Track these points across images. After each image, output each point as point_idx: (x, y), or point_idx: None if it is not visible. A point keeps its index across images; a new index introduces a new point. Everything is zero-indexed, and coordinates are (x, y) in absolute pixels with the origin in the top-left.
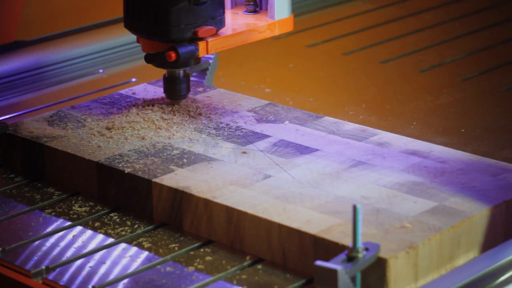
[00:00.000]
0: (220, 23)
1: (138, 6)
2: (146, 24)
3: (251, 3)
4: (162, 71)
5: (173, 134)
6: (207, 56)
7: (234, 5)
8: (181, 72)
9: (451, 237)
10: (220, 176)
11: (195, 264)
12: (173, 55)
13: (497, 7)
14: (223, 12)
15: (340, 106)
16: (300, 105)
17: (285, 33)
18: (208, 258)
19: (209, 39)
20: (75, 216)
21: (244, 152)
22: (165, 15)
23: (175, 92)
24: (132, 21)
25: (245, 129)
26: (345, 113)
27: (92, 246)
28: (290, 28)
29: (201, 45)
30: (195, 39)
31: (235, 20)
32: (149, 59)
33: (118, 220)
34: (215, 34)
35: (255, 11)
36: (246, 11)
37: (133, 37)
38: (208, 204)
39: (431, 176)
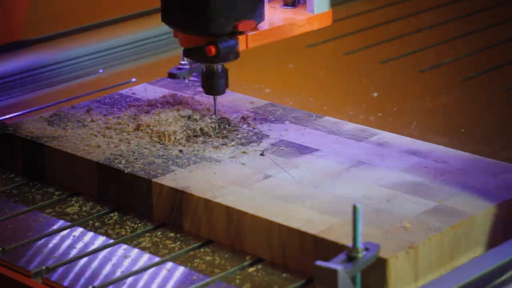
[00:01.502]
0: (260, 17)
1: (177, 0)
2: (185, 17)
3: None
4: (162, 71)
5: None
6: None
7: None
8: (220, 66)
9: (451, 237)
10: (220, 176)
11: (195, 264)
12: (213, 50)
13: (497, 7)
14: (263, 6)
15: (340, 106)
16: (300, 105)
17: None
18: (208, 258)
19: (249, 33)
20: (75, 216)
21: (244, 152)
22: (205, 8)
23: (214, 87)
24: (170, 14)
25: (245, 129)
26: (345, 113)
27: (92, 246)
28: (329, 23)
29: (241, 39)
30: (235, 33)
31: (274, 14)
32: (188, 54)
33: (118, 220)
34: (255, 28)
35: (293, 5)
36: (284, 5)
37: (133, 37)
38: (208, 204)
39: (431, 176)
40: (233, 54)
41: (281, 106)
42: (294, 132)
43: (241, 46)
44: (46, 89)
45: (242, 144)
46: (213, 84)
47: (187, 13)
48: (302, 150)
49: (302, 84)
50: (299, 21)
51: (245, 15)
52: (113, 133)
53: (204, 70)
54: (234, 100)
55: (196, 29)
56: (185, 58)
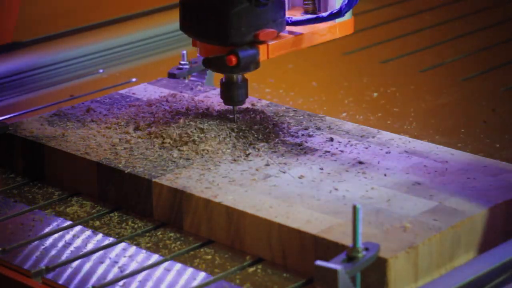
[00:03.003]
0: (281, 26)
1: (196, 8)
2: (204, 27)
3: (310, 4)
4: (162, 71)
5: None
6: None
7: (291, 6)
8: (239, 77)
9: (451, 237)
10: (220, 176)
11: (195, 264)
12: (233, 59)
13: (497, 7)
14: (284, 14)
15: (340, 106)
16: (300, 105)
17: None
18: (208, 258)
19: (270, 43)
20: (75, 216)
21: (244, 152)
22: (225, 17)
23: (233, 98)
24: (189, 23)
25: (244, 129)
26: (345, 113)
27: (92, 246)
28: (351, 31)
29: (262, 48)
30: (255, 43)
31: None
32: (207, 63)
33: (118, 220)
34: (276, 37)
35: (314, 13)
36: (304, 13)
37: (133, 37)
38: (208, 204)
39: (431, 176)
40: (254, 64)
41: (281, 106)
42: (294, 132)
43: (262, 56)
44: (46, 89)
45: (242, 144)
46: (233, 94)
47: (207, 22)
48: (302, 150)
49: (302, 84)
50: (321, 29)
51: (266, 24)
52: (113, 133)
53: (224, 80)
54: None
55: (216, 38)
56: (185, 58)
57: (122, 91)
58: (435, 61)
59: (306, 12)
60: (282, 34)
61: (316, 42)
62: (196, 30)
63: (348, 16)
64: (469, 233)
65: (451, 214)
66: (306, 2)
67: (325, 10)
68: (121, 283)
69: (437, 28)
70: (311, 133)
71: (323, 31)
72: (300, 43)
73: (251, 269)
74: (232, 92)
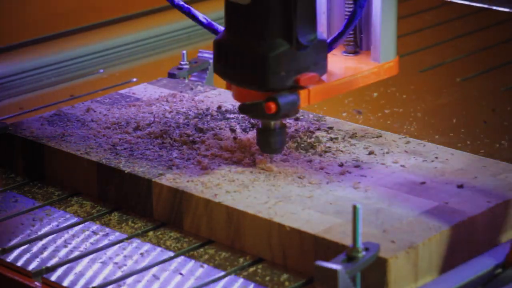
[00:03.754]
0: (323, 69)
1: (232, 50)
2: (240, 70)
3: (351, 43)
4: (162, 71)
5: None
6: (206, 55)
7: None
8: (277, 123)
9: (451, 237)
10: (220, 176)
11: (195, 264)
12: (272, 107)
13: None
14: (326, 57)
15: (340, 106)
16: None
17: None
18: (208, 258)
19: (311, 87)
20: (75, 216)
21: (244, 153)
22: (263, 61)
23: (270, 145)
24: (223, 66)
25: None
26: (345, 113)
27: (92, 246)
28: (396, 72)
29: (303, 94)
30: (295, 88)
31: (335, 63)
32: (244, 110)
33: (118, 220)
34: (317, 81)
35: (355, 52)
36: (345, 52)
37: (133, 37)
38: (208, 204)
39: (431, 176)
40: (294, 110)
41: None
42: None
43: (303, 102)
44: (46, 89)
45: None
46: (270, 142)
47: (243, 65)
48: (302, 150)
49: None
50: (364, 71)
51: (307, 67)
52: (113, 133)
53: (260, 126)
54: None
55: (254, 83)
56: (185, 58)
57: (122, 91)
58: (435, 61)
59: (347, 51)
60: (322, 76)
61: (359, 85)
62: (232, 73)
63: (393, 55)
64: (469, 233)
65: (451, 214)
66: (347, 39)
67: (367, 48)
68: (121, 283)
69: (437, 28)
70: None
71: (367, 73)
72: (343, 87)
73: (251, 269)
74: (269, 139)
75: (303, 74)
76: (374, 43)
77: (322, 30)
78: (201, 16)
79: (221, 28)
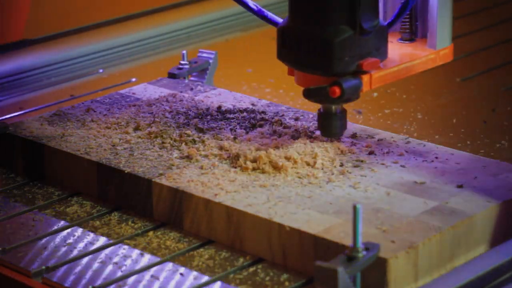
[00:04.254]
0: (384, 54)
1: (297, 36)
2: (305, 56)
3: (407, 30)
4: (162, 71)
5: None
6: (206, 55)
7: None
8: (339, 108)
9: (451, 237)
10: (220, 176)
11: (195, 264)
12: (337, 91)
13: (497, 7)
14: (387, 42)
15: None
16: (300, 105)
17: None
18: (208, 258)
19: (373, 72)
20: (75, 216)
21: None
22: (328, 46)
23: (332, 130)
24: (287, 51)
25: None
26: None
27: (92, 246)
28: (450, 58)
29: (365, 78)
30: (358, 72)
31: (392, 50)
32: (309, 94)
33: (118, 220)
34: (378, 66)
35: (411, 39)
36: (400, 39)
37: (133, 37)
38: (208, 204)
39: (431, 176)
40: (357, 95)
41: (281, 106)
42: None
43: (365, 87)
44: (46, 89)
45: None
46: (332, 126)
47: (308, 51)
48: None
49: None
50: (421, 58)
51: (369, 53)
52: (113, 133)
53: (322, 111)
54: (234, 100)
55: (318, 68)
56: (185, 58)
57: (122, 91)
58: None
59: (403, 38)
60: (383, 62)
61: (417, 71)
62: (296, 58)
63: (448, 42)
64: (469, 233)
65: (451, 214)
66: (403, 27)
67: (423, 35)
68: (121, 283)
69: None
70: (311, 133)
71: (424, 59)
72: (402, 73)
73: (251, 269)
74: (330, 123)
75: (366, 59)
76: (431, 30)
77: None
78: (251, 3)
79: (271, 14)
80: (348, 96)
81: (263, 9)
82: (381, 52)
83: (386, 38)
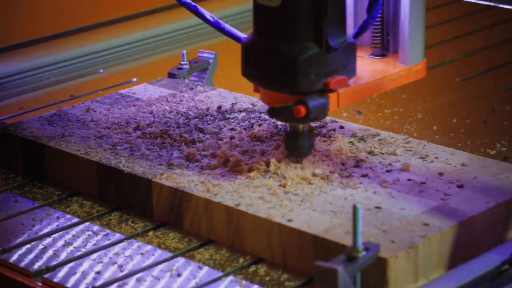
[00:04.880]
0: (352, 72)
1: (261, 53)
2: (269, 73)
3: (378, 45)
4: (162, 71)
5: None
6: (206, 55)
7: (358, 45)
8: (306, 127)
9: (451, 237)
10: (221, 176)
11: (195, 264)
12: (302, 110)
13: (497, 7)
14: (355, 59)
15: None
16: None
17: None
18: (208, 258)
19: (340, 90)
20: (75, 216)
21: (246, 151)
22: (293, 64)
23: (298, 149)
24: (251, 69)
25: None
26: (345, 113)
27: (91, 246)
28: (423, 75)
29: (332, 97)
30: (325, 91)
31: (362, 66)
32: (273, 113)
33: (118, 220)
34: (346, 84)
35: (382, 55)
36: (372, 54)
37: (133, 37)
38: (208, 204)
39: (431, 176)
40: (323, 114)
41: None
42: None
43: (332, 106)
44: (46, 89)
45: (242, 144)
46: (298, 145)
47: (273, 68)
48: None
49: None
50: (392, 74)
51: (336, 70)
52: (113, 133)
53: (288, 129)
54: (234, 100)
55: (283, 86)
56: (185, 58)
57: (122, 91)
58: (435, 61)
59: (374, 53)
60: (351, 79)
61: (387, 88)
62: (260, 76)
63: (421, 58)
64: (469, 233)
65: (451, 214)
66: (374, 41)
67: (394, 50)
68: (120, 283)
69: (437, 28)
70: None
71: (395, 76)
72: (372, 90)
73: (251, 269)
74: (297, 143)
75: (332, 77)
76: (403, 45)
77: (349, 32)
78: (208, 15)
79: (228, 26)
80: (314, 115)
81: (220, 21)
82: (349, 69)
83: (355, 54)
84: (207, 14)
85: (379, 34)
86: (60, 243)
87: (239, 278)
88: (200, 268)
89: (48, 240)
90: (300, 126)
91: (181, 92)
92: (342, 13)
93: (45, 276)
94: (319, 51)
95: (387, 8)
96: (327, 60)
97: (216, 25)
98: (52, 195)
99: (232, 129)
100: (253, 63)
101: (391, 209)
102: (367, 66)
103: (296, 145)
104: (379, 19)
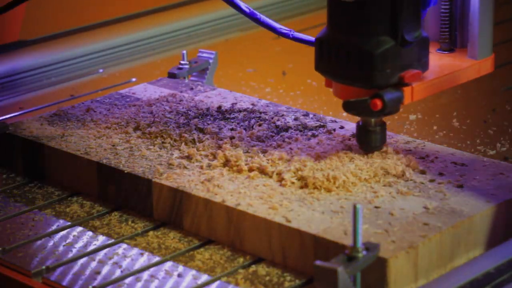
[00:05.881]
0: (425, 66)
1: (336, 48)
2: (345, 68)
3: (447, 40)
4: (162, 71)
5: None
6: (206, 55)
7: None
8: (378, 120)
9: (451, 237)
10: (221, 176)
11: (195, 264)
12: (378, 104)
13: (498, 7)
14: (428, 54)
15: (340, 106)
16: (300, 105)
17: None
18: (208, 258)
19: (414, 84)
20: (75, 216)
21: (247, 152)
22: (369, 58)
23: (370, 143)
24: (326, 63)
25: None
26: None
27: (92, 246)
28: (491, 69)
29: (406, 91)
30: (400, 85)
31: (432, 61)
32: (349, 107)
33: (118, 220)
34: (420, 78)
35: (450, 50)
36: (439, 49)
37: (133, 37)
38: (208, 204)
39: (432, 176)
40: (397, 107)
41: (281, 106)
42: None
43: (406, 99)
44: (46, 89)
45: (242, 144)
46: (370, 139)
47: (348, 63)
48: (303, 150)
49: (302, 84)
50: (462, 69)
51: (411, 64)
52: (113, 133)
53: (361, 123)
54: (234, 100)
55: (359, 80)
56: (185, 58)
57: (122, 91)
58: None
59: (442, 48)
60: (424, 74)
61: (458, 82)
62: (335, 70)
63: (489, 53)
64: (469, 233)
65: (451, 214)
66: (442, 36)
67: (462, 45)
68: (121, 283)
69: None
70: (311, 133)
71: (465, 72)
72: (444, 84)
73: (251, 269)
74: (369, 137)
75: (407, 71)
76: (472, 40)
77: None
78: (243, 5)
79: (263, 17)
80: (390, 109)
81: (255, 12)
82: (423, 63)
83: (428, 48)
84: (243, 5)
85: (447, 29)
86: (60, 243)
87: (239, 278)
88: (200, 268)
89: (48, 240)
90: (373, 120)
91: (181, 92)
92: (417, 7)
93: (45, 276)
94: (394, 45)
95: (455, 4)
96: (402, 54)
97: (251, 16)
98: (52, 195)
99: (232, 129)
100: (327, 57)
101: (391, 209)
102: (436, 61)
103: (368, 139)
104: (447, 14)
